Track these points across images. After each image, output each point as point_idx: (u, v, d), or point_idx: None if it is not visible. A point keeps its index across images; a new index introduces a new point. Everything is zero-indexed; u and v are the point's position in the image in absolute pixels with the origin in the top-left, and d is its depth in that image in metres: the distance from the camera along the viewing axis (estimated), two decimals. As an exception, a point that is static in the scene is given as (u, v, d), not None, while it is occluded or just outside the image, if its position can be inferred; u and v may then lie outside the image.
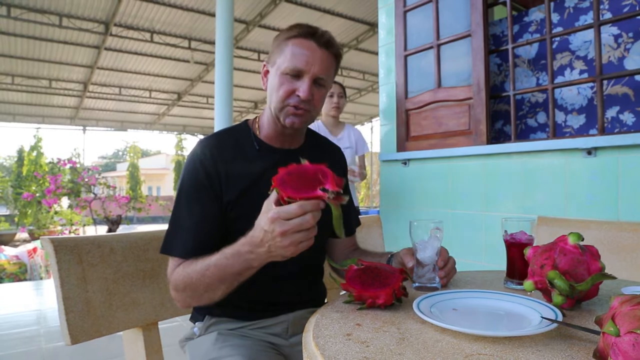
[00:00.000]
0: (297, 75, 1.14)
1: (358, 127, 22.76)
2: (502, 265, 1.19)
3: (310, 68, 1.13)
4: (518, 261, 1.10)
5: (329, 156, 1.41)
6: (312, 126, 3.09)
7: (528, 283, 0.93)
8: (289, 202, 0.84)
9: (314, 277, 1.34)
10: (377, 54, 3.78)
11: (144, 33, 10.44)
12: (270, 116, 1.22)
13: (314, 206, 0.84)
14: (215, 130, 5.72)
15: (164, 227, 1.18)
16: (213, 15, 7.93)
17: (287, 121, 1.17)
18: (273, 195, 0.88)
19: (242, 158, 1.19)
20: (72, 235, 7.29)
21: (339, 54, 1.21)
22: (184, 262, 1.09)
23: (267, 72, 1.24)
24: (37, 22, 9.31)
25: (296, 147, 1.29)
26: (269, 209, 0.88)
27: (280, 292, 1.22)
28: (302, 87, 1.13)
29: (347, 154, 3.28)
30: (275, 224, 0.85)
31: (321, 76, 1.15)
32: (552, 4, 2.64)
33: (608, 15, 2.42)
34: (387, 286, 0.93)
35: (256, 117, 1.30)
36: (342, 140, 3.53)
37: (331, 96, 3.52)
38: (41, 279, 7.23)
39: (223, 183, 1.14)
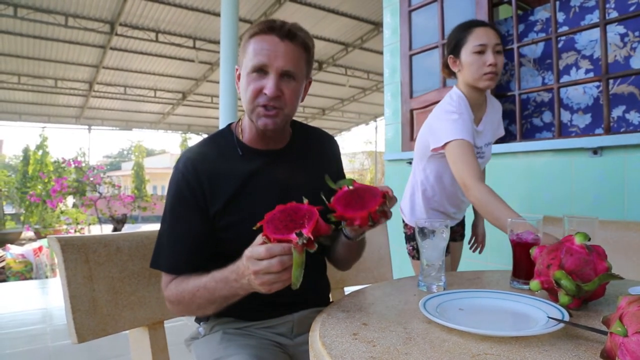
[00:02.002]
0: (262, 72, 1.09)
1: (362, 126, 22.74)
2: (507, 265, 1.19)
3: (274, 62, 1.08)
4: (524, 261, 1.09)
5: (320, 149, 1.35)
6: (449, 101, 1.80)
7: (534, 283, 0.92)
8: (268, 241, 0.85)
9: (318, 274, 1.34)
10: (381, 53, 3.74)
11: (149, 33, 10.47)
12: (248, 119, 1.19)
13: (282, 250, 0.83)
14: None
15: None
16: (218, 14, 7.95)
17: (259, 123, 1.12)
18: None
19: (226, 166, 1.17)
20: (78, 234, 7.32)
21: (305, 43, 1.14)
22: (175, 278, 1.10)
23: (239, 75, 1.19)
24: (43, 22, 9.35)
25: (281, 147, 1.25)
26: (255, 243, 0.88)
27: (284, 293, 1.21)
28: (269, 84, 1.08)
29: (487, 155, 1.94)
30: (249, 262, 0.86)
31: (288, 69, 1.10)
32: (557, 3, 2.63)
33: (614, 14, 2.41)
34: (365, 209, 0.93)
35: (239, 120, 1.27)
36: (483, 135, 1.89)
37: (480, 52, 1.72)
38: (47, 277, 7.27)
39: (208, 195, 1.13)
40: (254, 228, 0.88)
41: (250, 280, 0.89)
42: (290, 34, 1.10)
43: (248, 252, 0.87)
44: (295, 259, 0.81)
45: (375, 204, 0.93)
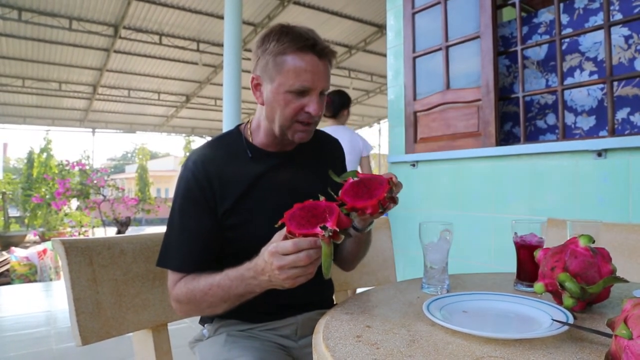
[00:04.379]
0: (304, 92, 1.11)
1: (366, 129, 22.74)
2: (511, 267, 1.19)
3: (318, 84, 1.10)
4: (528, 263, 1.09)
5: (327, 152, 1.39)
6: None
7: (538, 285, 0.92)
8: (292, 237, 0.88)
9: (322, 277, 1.33)
10: (385, 55, 3.74)
11: (152, 35, 10.49)
12: (268, 128, 1.19)
13: (310, 244, 0.85)
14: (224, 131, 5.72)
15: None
16: (221, 17, 7.96)
17: (296, 137, 1.16)
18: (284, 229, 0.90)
19: (235, 165, 1.18)
20: (82, 236, 7.36)
21: (333, 60, 1.17)
22: (184, 276, 1.11)
23: (258, 85, 1.18)
24: (47, 25, 9.40)
25: (290, 150, 1.27)
26: (275, 240, 0.90)
27: (288, 294, 1.21)
28: (312, 106, 1.11)
29: None
30: (274, 258, 0.87)
31: (326, 88, 1.14)
32: (561, 5, 2.62)
33: (618, 16, 2.41)
34: (374, 197, 0.94)
35: (248, 122, 1.28)
36: None
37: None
38: (51, 280, 7.28)
39: (217, 194, 1.14)
40: (276, 226, 0.90)
41: (272, 277, 0.90)
42: (329, 53, 1.12)
43: (272, 248, 0.88)
44: (324, 251, 0.84)
45: (383, 191, 0.95)
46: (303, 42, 1.08)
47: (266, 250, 0.90)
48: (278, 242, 0.88)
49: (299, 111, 1.12)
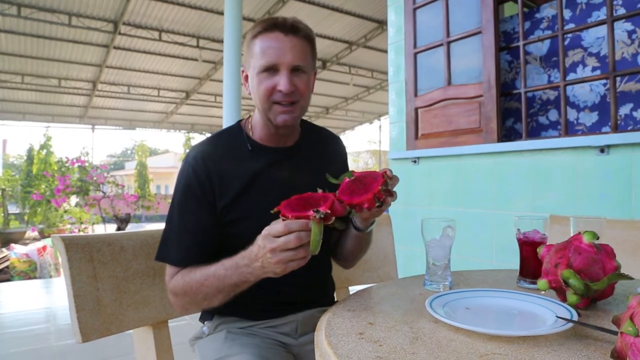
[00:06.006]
0: (273, 70, 1.10)
1: (366, 125, 22.76)
2: (513, 264, 1.18)
3: (284, 59, 1.09)
4: (531, 260, 1.08)
5: (328, 148, 1.37)
6: None
7: (542, 282, 0.91)
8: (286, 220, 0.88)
9: (322, 274, 1.33)
10: (386, 51, 3.72)
11: (152, 32, 10.48)
12: (261, 118, 1.19)
13: (300, 226, 0.85)
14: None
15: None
16: (221, 13, 7.94)
17: (278, 120, 1.13)
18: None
19: (235, 161, 1.18)
20: (82, 233, 7.36)
21: (308, 35, 1.15)
22: (181, 269, 1.10)
23: (247, 76, 1.20)
24: (47, 22, 9.39)
25: (291, 145, 1.26)
26: (271, 224, 0.90)
27: (288, 292, 1.21)
28: (282, 81, 1.09)
29: None
30: (266, 240, 0.88)
31: (298, 64, 1.11)
32: (563, 0, 2.61)
33: (621, 11, 2.39)
34: (369, 192, 0.94)
35: (249, 117, 1.27)
36: None
37: None
38: (50, 277, 7.29)
39: (217, 190, 1.14)
40: (272, 212, 0.90)
41: (265, 261, 0.89)
42: (293, 28, 1.11)
43: (265, 230, 0.89)
44: (313, 229, 0.84)
45: (378, 184, 0.95)
46: (267, 22, 1.11)
47: (260, 236, 0.90)
48: (270, 225, 0.88)
49: (271, 90, 1.11)
